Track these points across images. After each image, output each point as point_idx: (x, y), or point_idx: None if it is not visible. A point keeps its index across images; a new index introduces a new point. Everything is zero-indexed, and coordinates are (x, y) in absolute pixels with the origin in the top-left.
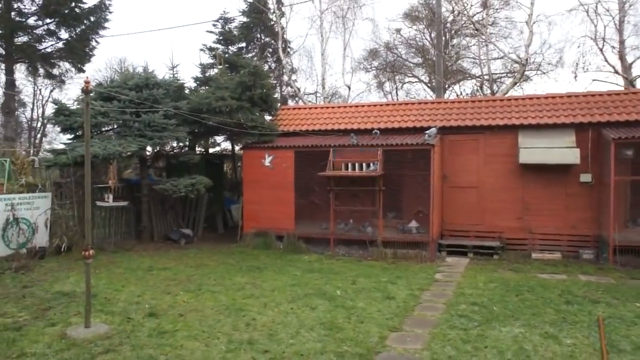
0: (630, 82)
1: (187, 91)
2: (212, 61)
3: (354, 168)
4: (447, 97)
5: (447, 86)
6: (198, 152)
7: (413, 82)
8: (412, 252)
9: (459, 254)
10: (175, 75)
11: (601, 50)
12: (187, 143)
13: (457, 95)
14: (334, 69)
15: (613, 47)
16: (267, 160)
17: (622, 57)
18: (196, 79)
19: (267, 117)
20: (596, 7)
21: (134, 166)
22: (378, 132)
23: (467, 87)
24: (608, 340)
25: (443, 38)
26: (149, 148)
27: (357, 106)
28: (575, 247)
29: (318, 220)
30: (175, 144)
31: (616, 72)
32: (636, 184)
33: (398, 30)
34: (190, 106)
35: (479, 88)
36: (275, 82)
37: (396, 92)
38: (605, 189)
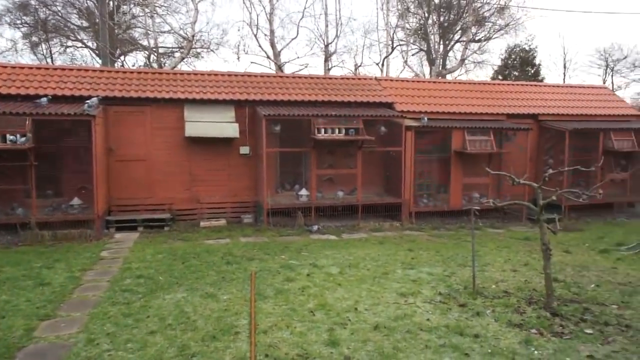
0: (279, 67)
1: None
2: None
3: None
4: (112, 67)
5: (116, 56)
6: None
7: (78, 47)
8: (75, 232)
9: (130, 229)
10: None
11: (255, 36)
12: None
13: (128, 66)
14: None
15: (265, 35)
16: None
17: (272, 45)
18: None
19: None
20: None
21: None
22: (45, 100)
23: (139, 59)
24: (257, 290)
25: (110, 3)
26: None
27: None
28: (238, 213)
29: None
30: None
31: (268, 57)
32: (283, 155)
33: None
34: None
35: (147, 60)
36: None
37: (52, 57)
38: (260, 160)
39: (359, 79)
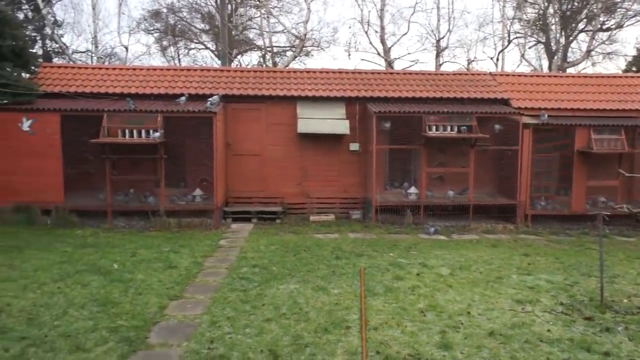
0: (389, 63)
1: None
2: None
3: (132, 135)
4: (231, 66)
5: (233, 56)
6: None
7: (199, 49)
8: (196, 221)
9: (244, 220)
10: None
11: (366, 33)
12: None
13: (244, 66)
14: (109, 28)
15: (376, 31)
16: (26, 125)
17: (383, 41)
18: None
19: (25, 75)
20: None
21: None
22: (131, 101)
23: (253, 59)
24: (367, 286)
25: (229, 6)
26: None
27: (135, 69)
28: (347, 209)
29: (94, 191)
30: None
31: (378, 53)
32: (393, 152)
33: None
34: None
35: (262, 59)
36: (35, 34)
37: (179, 58)
38: (370, 156)
39: (473, 74)
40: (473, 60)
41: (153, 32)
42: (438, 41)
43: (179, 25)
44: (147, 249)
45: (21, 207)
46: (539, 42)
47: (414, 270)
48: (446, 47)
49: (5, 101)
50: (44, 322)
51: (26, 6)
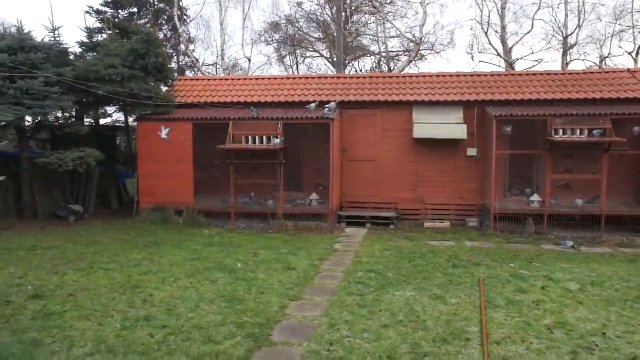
0: (510, 64)
1: (71, 57)
2: (100, 26)
3: (254, 141)
4: (347, 73)
5: (347, 62)
6: (87, 123)
7: (314, 57)
8: (312, 224)
9: (358, 224)
10: (57, 39)
11: (486, 33)
12: (74, 113)
13: (357, 72)
14: (234, 41)
15: (496, 32)
16: (164, 133)
17: (503, 41)
18: (82, 45)
19: (164, 88)
20: None
21: (11, 138)
22: (254, 109)
23: (366, 64)
24: (487, 298)
25: (343, 14)
26: (28, 118)
27: (257, 79)
28: (463, 216)
29: (219, 194)
30: (60, 114)
31: (499, 54)
32: (513, 158)
33: (299, 4)
34: (75, 73)
35: (377, 65)
36: (171, 51)
37: (297, 67)
38: (489, 162)
39: (607, 72)
40: (607, 57)
41: (272, 42)
42: (565, 38)
43: (297, 35)
44: (267, 250)
45: (158, 207)
46: None
47: (538, 284)
48: (575, 44)
49: (149, 112)
50: (180, 314)
51: (166, 27)
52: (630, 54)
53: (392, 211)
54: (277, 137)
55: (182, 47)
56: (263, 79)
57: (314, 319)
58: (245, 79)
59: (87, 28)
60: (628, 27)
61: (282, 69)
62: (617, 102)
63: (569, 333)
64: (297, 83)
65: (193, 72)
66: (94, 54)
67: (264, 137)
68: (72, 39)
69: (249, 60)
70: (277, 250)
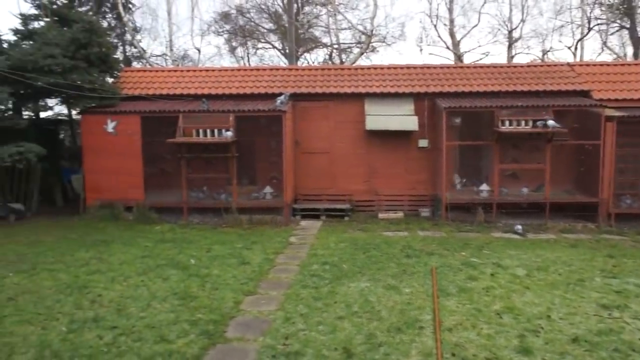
0: (458, 57)
1: (5, 45)
2: (36, 12)
3: (205, 134)
4: (299, 65)
5: (300, 54)
6: (26, 116)
7: (266, 49)
8: (267, 218)
9: (313, 217)
10: None
11: (435, 26)
12: (11, 106)
13: (310, 64)
14: (182, 31)
15: (445, 25)
16: (110, 126)
17: (452, 34)
18: (16, 32)
19: (109, 80)
20: None
21: None
22: (205, 101)
23: (319, 56)
24: (439, 286)
25: (295, 5)
26: None
27: (207, 70)
28: (415, 206)
29: (171, 189)
30: None
31: (447, 47)
32: (463, 149)
33: None
34: (10, 63)
35: (329, 57)
36: (116, 41)
37: (248, 58)
38: (439, 153)
39: (548, 65)
40: (549, 51)
41: (223, 33)
42: (510, 32)
43: (247, 26)
44: (221, 245)
45: (106, 204)
46: (622, 27)
47: (488, 271)
48: (519, 38)
49: (94, 105)
50: (131, 313)
51: (109, 15)
52: (569, 48)
53: (346, 203)
54: (228, 130)
55: (128, 36)
56: (214, 70)
57: (269, 314)
58: (195, 71)
59: (21, 14)
60: (567, 22)
61: (233, 60)
62: (557, 94)
63: (517, 317)
64: (248, 75)
65: (140, 63)
66: (30, 42)
67: (215, 130)
68: (4, 25)
69: (199, 51)
70: (231, 245)
